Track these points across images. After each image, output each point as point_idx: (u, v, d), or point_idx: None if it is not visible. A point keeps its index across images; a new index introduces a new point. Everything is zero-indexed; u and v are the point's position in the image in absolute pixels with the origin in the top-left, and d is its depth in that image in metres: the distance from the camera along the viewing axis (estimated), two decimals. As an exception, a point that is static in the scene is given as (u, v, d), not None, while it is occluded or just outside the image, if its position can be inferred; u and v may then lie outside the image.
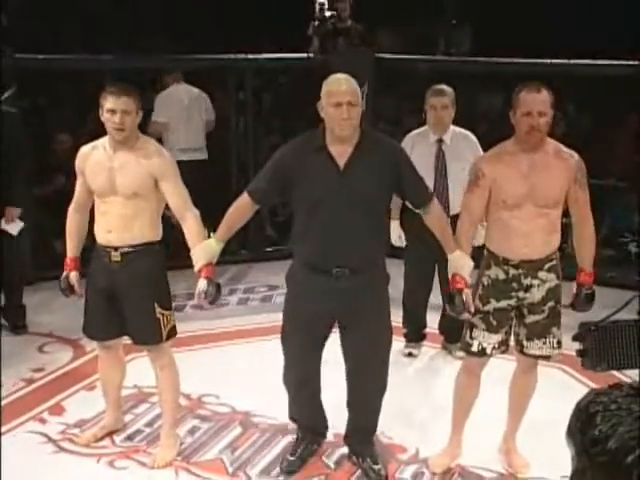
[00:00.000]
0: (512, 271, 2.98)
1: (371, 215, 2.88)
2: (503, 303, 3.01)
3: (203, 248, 3.00)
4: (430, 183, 4.04)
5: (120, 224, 3.10)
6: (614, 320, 1.75)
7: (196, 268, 2.99)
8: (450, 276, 2.96)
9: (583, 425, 0.72)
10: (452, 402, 3.22)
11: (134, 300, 3.14)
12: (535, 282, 2.98)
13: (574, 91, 6.41)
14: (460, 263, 2.94)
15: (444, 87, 4.09)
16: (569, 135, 6.52)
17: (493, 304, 3.02)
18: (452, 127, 4.10)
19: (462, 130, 4.12)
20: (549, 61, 5.28)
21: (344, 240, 2.84)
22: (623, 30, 5.99)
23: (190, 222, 3.10)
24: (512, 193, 2.92)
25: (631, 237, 5.80)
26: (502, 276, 3.00)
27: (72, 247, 3.29)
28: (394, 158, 2.92)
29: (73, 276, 3.27)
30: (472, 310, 2.94)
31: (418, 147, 4.11)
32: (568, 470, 0.82)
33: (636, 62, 4.98)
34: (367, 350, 3.02)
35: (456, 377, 3.22)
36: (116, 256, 3.13)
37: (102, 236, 3.15)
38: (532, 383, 3.16)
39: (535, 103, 2.86)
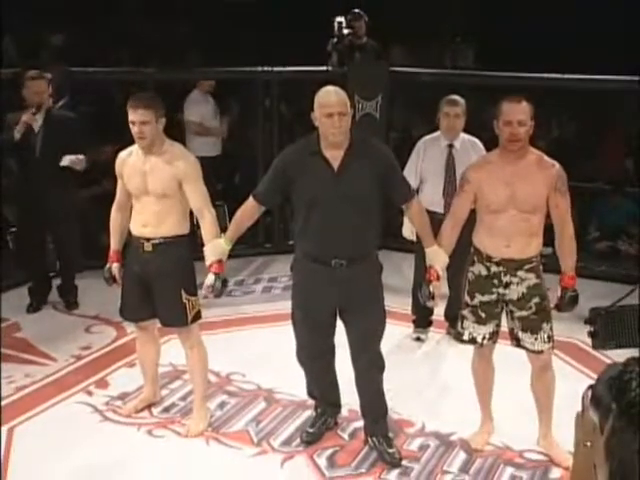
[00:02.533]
0: (493, 268, 2.95)
1: (364, 212, 2.88)
2: (487, 297, 2.99)
3: (214, 246, 3.04)
4: (441, 184, 4.04)
5: (153, 220, 3.14)
6: (621, 305, 1.77)
7: (207, 264, 3.02)
8: (427, 267, 2.98)
9: (618, 392, 0.73)
10: (474, 386, 3.19)
11: (163, 286, 3.18)
12: (514, 280, 2.94)
13: (568, 103, 6.35)
14: (435, 257, 2.96)
15: (457, 97, 4.06)
16: (561, 143, 6.49)
17: (479, 298, 3.00)
18: (462, 134, 4.07)
19: (470, 137, 4.09)
20: (546, 75, 5.22)
21: (340, 234, 2.85)
22: (621, 47, 5.91)
23: (206, 221, 3.12)
24: (494, 199, 2.89)
25: (613, 238, 5.74)
26: (484, 272, 2.98)
27: (115, 242, 3.34)
28: (382, 160, 2.91)
29: (115, 267, 3.31)
30: (437, 301, 2.98)
31: (430, 151, 4.10)
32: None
33: (626, 77, 4.91)
34: (365, 334, 3.02)
35: (471, 364, 3.18)
36: (148, 246, 3.16)
37: (137, 229, 3.20)
38: (549, 379, 3.06)
39: (515, 113, 2.83)
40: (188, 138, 5.72)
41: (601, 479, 0.74)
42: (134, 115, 3.06)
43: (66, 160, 4.38)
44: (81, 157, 4.42)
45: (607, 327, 1.77)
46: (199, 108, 5.77)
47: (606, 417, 0.74)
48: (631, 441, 0.69)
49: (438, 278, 2.95)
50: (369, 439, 3.17)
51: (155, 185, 3.12)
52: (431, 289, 2.93)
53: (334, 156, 2.86)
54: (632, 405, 0.71)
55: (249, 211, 3.04)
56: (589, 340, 2.78)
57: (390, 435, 3.17)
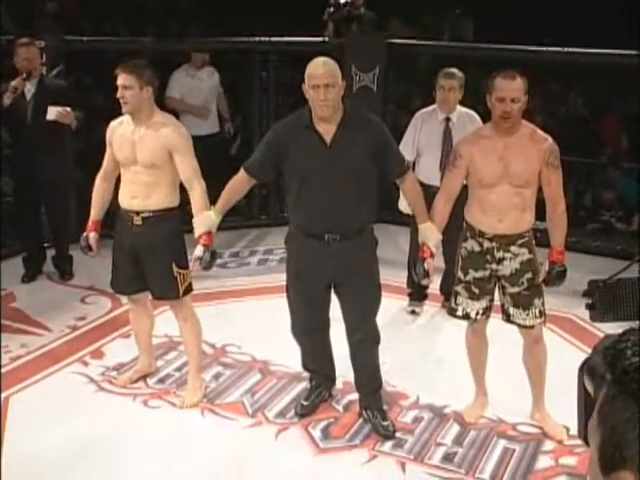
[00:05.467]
0: (486, 244, 2.91)
1: (358, 186, 2.81)
2: (480, 273, 2.95)
3: (203, 219, 2.98)
4: (437, 158, 3.99)
5: (142, 191, 3.09)
6: (619, 278, 1.76)
7: (196, 236, 2.97)
8: (420, 244, 2.93)
9: (613, 359, 0.73)
10: (468, 360, 3.17)
11: (154, 260, 3.14)
12: (507, 255, 2.90)
13: (566, 77, 6.27)
14: (428, 234, 2.90)
15: (454, 70, 3.98)
16: (561, 117, 6.42)
17: (472, 274, 2.96)
18: (459, 107, 4.01)
19: (467, 110, 4.03)
20: (545, 49, 5.13)
21: (333, 209, 2.79)
22: (621, 21, 5.80)
23: (196, 193, 3.07)
24: (487, 173, 2.84)
25: (608, 214, 5.70)
26: (477, 248, 2.94)
27: (95, 212, 3.29)
28: (375, 134, 2.84)
29: (92, 237, 3.26)
30: (431, 278, 2.92)
31: (427, 124, 4.03)
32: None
33: (628, 52, 4.82)
34: (360, 308, 2.98)
35: (465, 338, 3.16)
36: (138, 220, 3.12)
37: (126, 202, 3.14)
38: (541, 353, 3.03)
39: (508, 90, 2.76)
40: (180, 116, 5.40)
41: (593, 447, 0.73)
42: (118, 79, 3.05)
43: (52, 113, 4.23)
44: (68, 109, 4.27)
45: (605, 300, 1.76)
46: (181, 83, 5.38)
47: (600, 386, 0.74)
48: (623, 408, 0.68)
49: (431, 255, 2.90)
50: (363, 412, 3.15)
51: (144, 154, 3.06)
52: (425, 267, 2.88)
53: (327, 130, 2.79)
54: (625, 372, 0.70)
55: (240, 184, 2.97)
56: (585, 315, 2.77)
57: (384, 408, 3.16)
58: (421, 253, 2.91)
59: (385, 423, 3.08)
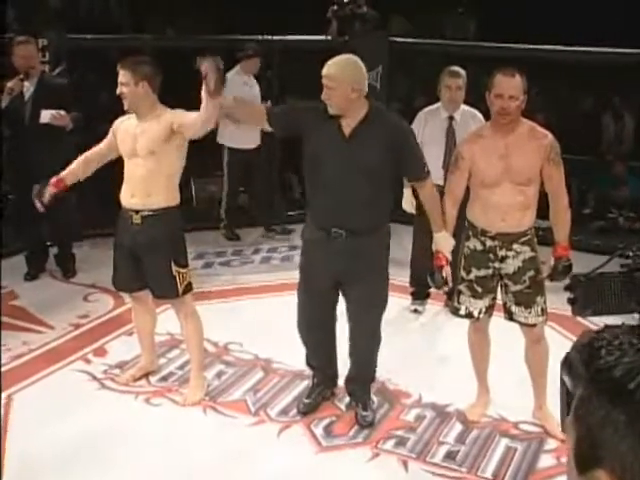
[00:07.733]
0: (489, 242, 2.91)
1: (372, 183, 2.80)
2: (483, 272, 2.95)
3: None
4: (441, 156, 3.98)
5: (141, 187, 3.09)
6: (600, 272, 1.76)
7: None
8: (434, 252, 2.92)
9: (588, 358, 0.73)
10: (470, 359, 3.16)
11: (153, 258, 3.15)
12: (510, 254, 2.90)
13: (567, 75, 6.24)
14: (442, 243, 2.91)
15: (459, 69, 3.98)
16: (564, 116, 6.40)
17: (475, 272, 2.96)
18: (462, 105, 4.00)
19: (471, 109, 4.03)
20: (547, 47, 5.12)
21: (343, 203, 2.78)
22: (625, 19, 5.78)
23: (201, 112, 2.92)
24: (489, 173, 2.84)
25: (617, 212, 5.68)
26: (479, 247, 2.93)
27: (68, 172, 3.28)
28: (397, 134, 2.83)
29: (49, 190, 3.25)
30: (450, 285, 2.93)
31: (430, 123, 4.03)
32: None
33: (631, 50, 4.81)
34: (362, 308, 2.98)
35: (467, 336, 3.15)
36: (137, 218, 3.12)
37: (126, 200, 3.16)
38: (543, 351, 3.03)
39: (507, 87, 2.76)
40: (221, 126, 4.98)
41: (570, 445, 0.74)
42: (118, 76, 3.07)
43: (46, 116, 4.19)
44: (62, 113, 4.22)
45: (586, 294, 1.75)
46: (237, 90, 4.86)
47: (577, 384, 0.74)
48: (598, 408, 0.69)
49: (447, 262, 2.90)
50: (348, 397, 3.19)
51: (143, 144, 3.07)
52: (443, 274, 2.88)
53: (348, 122, 2.80)
54: (600, 371, 0.70)
55: (255, 112, 3.05)
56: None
57: (371, 400, 3.17)
58: (437, 261, 2.91)
59: (365, 413, 3.11)
